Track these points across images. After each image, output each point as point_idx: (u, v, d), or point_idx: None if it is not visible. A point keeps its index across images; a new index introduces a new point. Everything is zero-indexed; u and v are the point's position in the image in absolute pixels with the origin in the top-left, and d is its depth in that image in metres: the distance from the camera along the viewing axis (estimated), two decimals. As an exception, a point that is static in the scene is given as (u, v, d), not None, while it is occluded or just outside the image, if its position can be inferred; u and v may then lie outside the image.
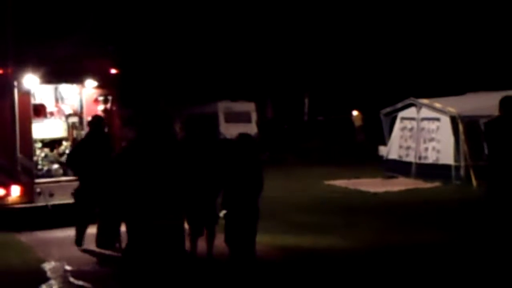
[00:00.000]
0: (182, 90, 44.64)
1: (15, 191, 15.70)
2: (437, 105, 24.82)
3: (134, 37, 42.42)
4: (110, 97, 16.71)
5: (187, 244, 12.84)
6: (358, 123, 44.46)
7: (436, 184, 23.21)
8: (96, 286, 10.95)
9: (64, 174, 16.55)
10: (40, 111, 16.64)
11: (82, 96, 16.83)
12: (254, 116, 39.30)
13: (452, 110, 23.99)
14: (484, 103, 23.52)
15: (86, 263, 12.70)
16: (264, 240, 13.19)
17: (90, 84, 16.55)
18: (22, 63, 15.86)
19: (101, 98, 16.69)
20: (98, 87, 16.65)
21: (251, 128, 36.02)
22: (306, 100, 50.51)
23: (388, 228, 15.83)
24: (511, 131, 12.14)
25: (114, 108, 16.81)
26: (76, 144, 14.96)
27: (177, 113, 35.02)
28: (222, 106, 38.44)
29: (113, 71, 16.94)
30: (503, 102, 12.63)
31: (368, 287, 10.92)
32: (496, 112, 19.76)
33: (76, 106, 17.04)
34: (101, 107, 16.68)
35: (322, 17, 47.04)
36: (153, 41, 44.57)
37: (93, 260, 12.98)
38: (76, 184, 14.99)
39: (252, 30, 46.84)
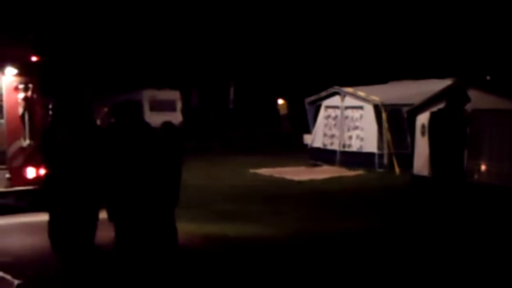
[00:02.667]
0: (107, 78, 44.16)
1: None
2: (361, 93, 25.03)
3: (58, 24, 41.78)
4: (30, 85, 16.36)
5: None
6: (283, 111, 44.62)
7: (360, 172, 23.44)
8: (15, 277, 10.73)
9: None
10: (-42, 99, 16.23)
11: (2, 84, 16.42)
12: (179, 105, 39.13)
13: (376, 98, 24.22)
14: (407, 92, 23.88)
15: (5, 253, 12.44)
16: (188, 228, 13.14)
17: (10, 71, 16.18)
18: None
19: (21, 86, 16.30)
20: (18, 74, 16.27)
21: (176, 117, 35.88)
22: (232, 89, 50.49)
23: (314, 216, 15.90)
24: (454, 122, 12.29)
25: (35, 96, 16.46)
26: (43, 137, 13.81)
27: (101, 102, 34.73)
28: (147, 95, 38.20)
29: (34, 58, 16.60)
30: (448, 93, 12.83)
31: (292, 275, 10.91)
32: (417, 101, 20.20)
33: (-5, 93, 16.64)
34: (21, 95, 16.32)
35: (246, 5, 46.97)
36: (77, 28, 43.93)
37: (12, 251, 12.72)
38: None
39: (176, 18, 46.55)
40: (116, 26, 45.38)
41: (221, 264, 11.63)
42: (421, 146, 19.45)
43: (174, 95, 39.16)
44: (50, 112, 13.14)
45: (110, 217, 11.82)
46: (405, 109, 21.67)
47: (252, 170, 24.54)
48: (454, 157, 12.33)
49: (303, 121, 28.88)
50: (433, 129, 12.64)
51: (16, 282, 10.59)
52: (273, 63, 49.16)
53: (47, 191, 12.68)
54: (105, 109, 34.20)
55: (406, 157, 21.34)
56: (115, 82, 42.84)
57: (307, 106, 27.67)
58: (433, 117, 12.76)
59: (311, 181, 21.82)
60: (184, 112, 39.21)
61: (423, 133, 19.26)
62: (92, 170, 12.37)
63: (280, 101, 44.97)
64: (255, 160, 27.23)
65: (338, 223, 14.90)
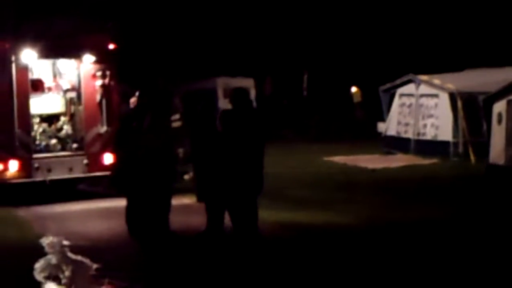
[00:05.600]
0: (181, 66, 44.50)
1: (13, 166, 15.70)
2: (436, 81, 24.78)
3: (133, 12, 42.25)
4: (108, 72, 16.64)
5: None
6: (357, 99, 44.31)
7: (434, 160, 23.21)
8: (94, 261, 10.96)
9: (62, 149, 16.56)
10: (38, 86, 16.59)
11: (80, 71, 16.74)
12: (252, 92, 39.17)
13: (451, 86, 23.95)
14: (482, 80, 23.56)
15: (84, 238, 12.71)
16: (261, 215, 13.17)
17: (88, 59, 16.48)
18: (20, 38, 15.84)
19: (99, 73, 16.61)
20: (96, 62, 16.56)
21: (250, 104, 35.94)
22: (305, 76, 50.37)
23: (386, 204, 15.86)
24: None
25: (112, 83, 16.75)
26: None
27: (174, 89, 35.01)
28: (221, 82, 38.30)
29: (111, 46, 16.87)
30: None
31: (365, 263, 10.91)
32: (494, 89, 19.87)
33: (74, 81, 16.97)
34: (99, 82, 16.62)
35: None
36: (152, 17, 44.38)
37: (90, 235, 12.99)
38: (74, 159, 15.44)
39: (251, 6, 46.65)
40: (190, 14, 45.70)
41: (293, 250, 11.69)
42: (498, 135, 19.17)
43: (248, 82, 39.21)
44: (135, 99, 13.44)
45: (200, 198, 12.17)
46: (481, 97, 21.39)
47: (325, 158, 24.52)
48: None
49: (377, 109, 28.71)
50: None
51: (94, 266, 10.83)
52: (347, 51, 48.89)
53: (124, 176, 12.97)
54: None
55: (482, 145, 21.06)
56: (188, 70, 43.13)
57: (381, 94, 27.51)
58: None
59: (385, 169, 21.72)
60: (257, 100, 39.28)
61: (499, 122, 18.99)
62: (166, 155, 12.62)
63: (354, 89, 44.68)
64: (328, 148, 27.18)
65: (411, 212, 14.82)
